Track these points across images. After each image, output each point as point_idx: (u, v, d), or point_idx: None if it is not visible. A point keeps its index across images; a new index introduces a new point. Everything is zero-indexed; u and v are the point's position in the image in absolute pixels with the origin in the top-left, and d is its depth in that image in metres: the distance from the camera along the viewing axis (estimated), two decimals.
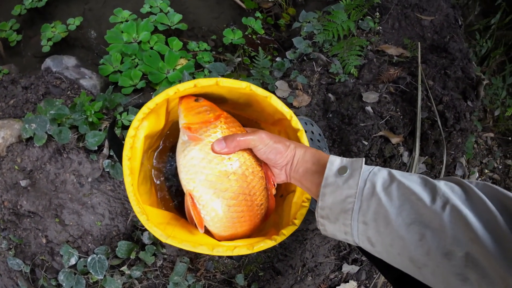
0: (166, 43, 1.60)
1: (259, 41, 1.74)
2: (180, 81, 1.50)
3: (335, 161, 0.50)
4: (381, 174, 0.45)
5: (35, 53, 1.64)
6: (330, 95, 1.29)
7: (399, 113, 1.32)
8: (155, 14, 1.69)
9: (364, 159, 0.48)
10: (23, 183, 1.11)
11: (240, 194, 0.59)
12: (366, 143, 1.18)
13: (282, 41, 1.81)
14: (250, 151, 0.59)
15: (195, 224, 0.59)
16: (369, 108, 1.23)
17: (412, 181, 0.43)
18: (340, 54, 1.46)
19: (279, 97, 1.33)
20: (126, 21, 1.63)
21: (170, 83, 1.48)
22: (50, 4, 1.74)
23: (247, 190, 0.59)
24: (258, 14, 1.80)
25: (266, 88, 1.29)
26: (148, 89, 1.48)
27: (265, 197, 0.63)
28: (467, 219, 0.36)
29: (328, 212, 0.48)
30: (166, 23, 1.66)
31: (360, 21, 1.78)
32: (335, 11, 1.65)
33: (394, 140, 1.23)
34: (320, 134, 1.20)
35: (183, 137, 0.61)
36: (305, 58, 1.51)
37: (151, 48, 1.57)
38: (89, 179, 1.05)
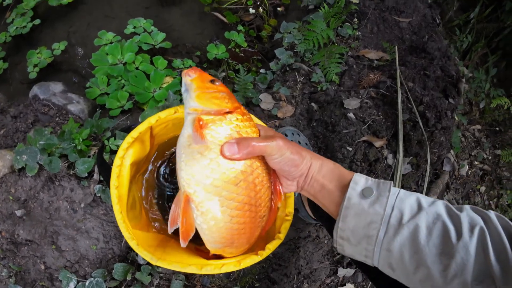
0: (151, 63, 1.64)
1: (242, 54, 1.78)
2: (166, 100, 1.54)
3: (359, 181, 0.48)
4: (408, 201, 0.45)
5: (22, 80, 1.67)
6: (313, 104, 1.33)
7: (381, 116, 1.36)
8: (139, 34, 1.72)
9: (392, 182, 0.47)
10: (18, 212, 1.13)
11: (246, 204, 0.52)
12: (350, 149, 1.22)
13: (265, 52, 1.85)
14: (261, 156, 0.52)
15: (178, 231, 0.50)
16: (351, 115, 1.26)
17: (438, 212, 0.44)
18: (321, 63, 1.50)
19: (263, 110, 1.37)
20: (111, 43, 1.66)
21: (157, 102, 1.51)
22: (34, 30, 1.77)
23: (253, 200, 0.52)
24: (240, 27, 1.84)
25: (250, 102, 1.33)
26: (136, 109, 1.51)
27: (269, 209, 0.57)
28: (488, 253, 0.39)
29: (349, 235, 0.47)
30: (150, 43, 1.70)
31: (339, 28, 1.82)
32: (314, 20, 1.70)
33: (378, 143, 1.26)
34: (306, 144, 1.24)
35: (189, 128, 0.50)
36: (287, 68, 1.55)
37: (137, 68, 1.60)
38: (82, 205, 1.08)
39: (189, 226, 0.50)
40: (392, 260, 0.44)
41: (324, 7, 1.87)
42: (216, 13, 1.91)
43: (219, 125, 0.49)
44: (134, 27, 1.75)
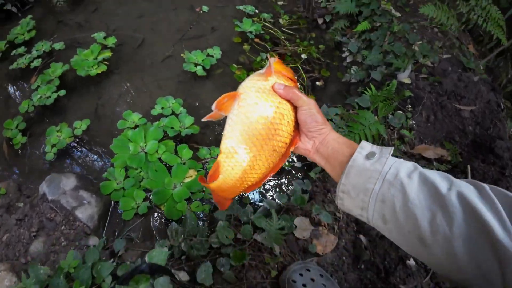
0: (176, 152, 1.48)
1: None
2: (186, 200, 1.36)
3: (365, 146, 0.54)
4: (406, 164, 0.50)
5: (40, 158, 1.55)
6: (361, 237, 1.08)
7: None
8: (166, 116, 1.58)
9: (393, 148, 0.51)
10: None
11: (269, 140, 0.58)
12: None
13: None
14: (295, 109, 0.61)
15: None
16: (411, 262, 1.00)
17: (433, 173, 0.48)
18: None
19: (297, 239, 1.14)
20: (135, 127, 1.53)
21: (176, 203, 1.33)
22: (60, 100, 1.66)
23: (276, 140, 0.59)
24: None
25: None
26: (151, 212, 1.34)
27: (281, 154, 0.62)
28: (476, 208, 0.41)
29: (350, 188, 0.52)
30: (177, 128, 1.55)
31: (390, 115, 1.59)
32: (361, 110, 1.48)
33: None
34: None
35: (261, 70, 0.64)
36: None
37: (159, 158, 1.45)
38: None
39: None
40: (385, 211, 0.48)
41: (370, 89, 1.65)
42: None
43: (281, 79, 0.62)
44: (162, 108, 1.62)
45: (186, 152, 1.47)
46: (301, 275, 0.99)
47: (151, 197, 1.33)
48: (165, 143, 1.49)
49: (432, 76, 1.80)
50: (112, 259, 1.14)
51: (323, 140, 0.59)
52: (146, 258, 1.06)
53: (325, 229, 1.11)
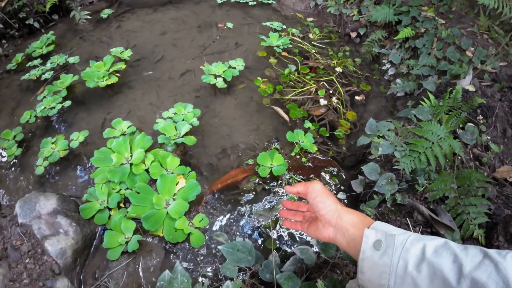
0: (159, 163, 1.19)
1: (310, 164, 1.26)
2: (186, 215, 1.04)
3: (370, 236, 0.52)
4: (413, 251, 0.48)
5: (29, 173, 1.33)
6: None
7: None
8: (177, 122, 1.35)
9: (395, 235, 0.49)
10: None
11: None
12: None
13: (341, 158, 1.32)
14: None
15: None
16: None
17: (442, 258, 0.46)
18: (449, 201, 0.90)
19: None
20: (123, 134, 1.30)
21: (173, 220, 1.01)
22: (68, 112, 1.49)
23: None
24: (308, 124, 1.38)
25: None
26: (142, 250, 1.02)
27: None
28: None
29: (368, 284, 0.51)
30: (171, 136, 1.29)
31: (459, 130, 1.24)
32: (425, 123, 1.13)
33: None
34: None
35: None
36: (388, 204, 0.97)
37: (146, 170, 1.17)
38: None
39: None
40: None
41: (428, 98, 1.34)
42: (276, 108, 1.49)
43: None
44: (175, 113, 1.41)
45: (170, 161, 1.18)
46: None
47: (143, 224, 1.02)
48: (154, 152, 1.22)
49: (496, 82, 1.47)
50: None
51: (336, 226, 0.58)
52: None
53: None
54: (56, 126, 1.49)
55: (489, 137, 1.25)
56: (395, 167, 1.06)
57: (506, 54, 1.62)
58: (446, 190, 0.91)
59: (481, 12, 1.68)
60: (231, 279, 0.80)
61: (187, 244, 1.06)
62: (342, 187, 1.23)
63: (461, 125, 1.23)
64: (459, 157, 1.10)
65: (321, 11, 2.29)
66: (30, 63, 1.77)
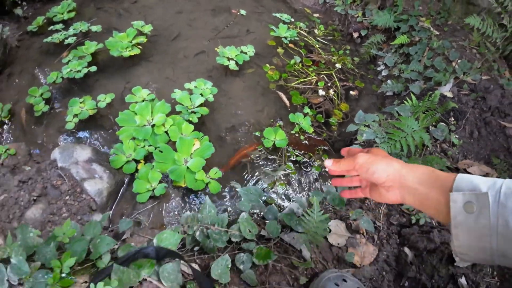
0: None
1: (307, 142, 1.48)
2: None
3: (457, 200, 0.48)
4: (509, 203, 0.44)
5: (59, 128, 1.49)
6: (406, 249, 0.93)
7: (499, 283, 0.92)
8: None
9: (488, 192, 0.45)
10: None
11: None
12: None
13: (332, 142, 1.54)
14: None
15: None
16: (463, 280, 0.84)
17: None
18: None
19: (331, 245, 0.99)
20: (143, 100, 1.47)
21: (193, 173, 1.22)
22: (89, 77, 1.64)
23: None
24: (307, 109, 1.58)
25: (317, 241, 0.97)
26: (168, 194, 1.23)
27: None
28: None
29: (466, 250, 0.48)
30: (188, 105, 1.48)
31: (432, 127, 1.48)
32: (403, 117, 1.37)
33: None
34: None
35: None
36: None
37: (166, 132, 1.36)
38: None
39: None
40: (509, 262, 0.46)
41: (411, 99, 1.56)
42: (280, 93, 1.69)
43: None
44: (195, 86, 1.58)
45: (186, 127, 1.38)
46: (337, 285, 0.84)
47: (169, 176, 1.22)
48: (173, 117, 1.41)
49: (473, 92, 1.71)
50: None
51: (401, 186, 0.55)
52: (155, 240, 0.92)
53: (363, 237, 0.97)
54: (80, 89, 1.64)
55: (457, 136, 1.48)
56: None
57: (490, 68, 1.85)
58: None
59: (475, 28, 1.89)
60: (246, 212, 1.02)
61: (202, 194, 1.27)
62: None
63: (434, 123, 1.46)
64: (428, 148, 1.33)
65: (328, 9, 2.46)
66: (52, 27, 1.85)
